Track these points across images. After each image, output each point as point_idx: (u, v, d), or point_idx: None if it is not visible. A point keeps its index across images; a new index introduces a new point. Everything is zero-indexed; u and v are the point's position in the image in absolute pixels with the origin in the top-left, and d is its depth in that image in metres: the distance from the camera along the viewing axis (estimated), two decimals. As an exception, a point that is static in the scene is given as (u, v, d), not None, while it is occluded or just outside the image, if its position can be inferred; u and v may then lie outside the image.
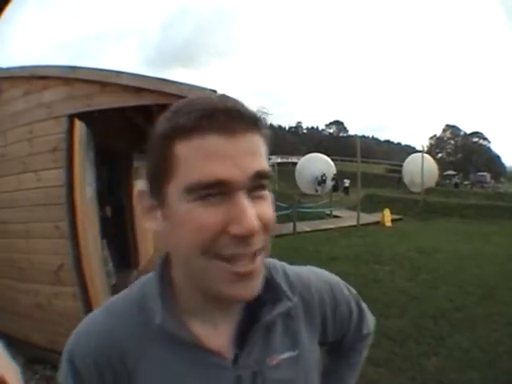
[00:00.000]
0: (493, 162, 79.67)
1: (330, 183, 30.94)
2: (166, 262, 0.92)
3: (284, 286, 0.96)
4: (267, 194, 0.80)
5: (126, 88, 4.42)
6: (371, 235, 15.71)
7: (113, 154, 8.08)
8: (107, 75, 4.50)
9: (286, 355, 0.94)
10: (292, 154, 54.65)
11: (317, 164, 33.82)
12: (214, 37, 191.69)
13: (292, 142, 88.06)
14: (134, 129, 7.31)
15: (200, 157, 0.73)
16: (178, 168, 0.75)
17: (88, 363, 0.85)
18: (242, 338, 0.90)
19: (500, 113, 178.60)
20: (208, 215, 0.73)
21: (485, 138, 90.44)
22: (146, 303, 0.88)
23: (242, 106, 0.78)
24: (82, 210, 4.59)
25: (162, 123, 0.79)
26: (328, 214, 22.23)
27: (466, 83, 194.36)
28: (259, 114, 0.81)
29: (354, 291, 1.19)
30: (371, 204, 23.51)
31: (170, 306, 0.86)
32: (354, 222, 18.06)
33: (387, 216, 18.56)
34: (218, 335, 0.89)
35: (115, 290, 5.23)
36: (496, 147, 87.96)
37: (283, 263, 1.07)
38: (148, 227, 0.85)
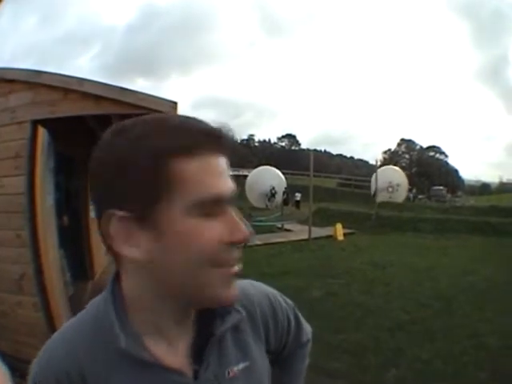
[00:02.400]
0: (450, 176, 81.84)
1: (280, 197, 31.00)
2: (115, 281, 0.93)
3: None
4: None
5: (87, 96, 4.46)
6: (324, 249, 15.77)
7: (70, 163, 7.95)
8: (70, 82, 4.52)
9: (240, 366, 0.98)
10: (243, 166, 54.80)
11: (267, 177, 33.86)
12: (174, 47, 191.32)
13: (243, 154, 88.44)
14: (92, 137, 7.19)
15: (203, 174, 0.79)
16: (177, 186, 0.78)
17: (60, 377, 0.86)
18: (197, 352, 0.93)
19: (458, 127, 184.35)
20: (211, 229, 0.80)
21: (442, 152, 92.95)
22: (102, 326, 0.88)
23: (227, 129, 0.86)
24: (42, 219, 4.56)
25: (143, 139, 0.79)
26: (279, 228, 22.28)
27: (423, 98, 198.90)
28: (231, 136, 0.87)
29: (290, 302, 1.26)
30: (323, 218, 23.68)
31: (129, 329, 0.87)
32: (305, 236, 18.06)
33: (339, 230, 18.64)
34: (174, 352, 0.91)
35: (72, 300, 5.35)
36: (454, 161, 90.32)
37: None
38: (128, 255, 0.83)
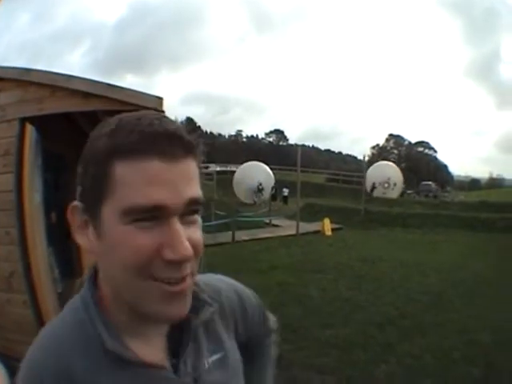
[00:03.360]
0: (439, 171, 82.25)
1: (267, 192, 31.04)
2: (93, 281, 0.94)
3: (201, 294, 1.00)
4: (198, 218, 0.84)
5: (75, 93, 4.49)
6: (311, 244, 15.82)
7: (58, 160, 7.90)
8: (58, 79, 4.54)
9: (215, 357, 0.99)
10: (231, 162, 54.78)
11: (255, 173, 33.90)
12: (164, 43, 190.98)
13: (231, 150, 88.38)
14: (80, 134, 7.21)
15: (139, 180, 0.75)
16: (116, 189, 0.77)
17: (46, 379, 0.83)
18: (174, 347, 0.94)
19: (448, 123, 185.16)
20: (143, 238, 0.76)
21: (431, 148, 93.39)
22: (83, 327, 0.87)
23: (183, 131, 0.80)
24: (30, 217, 4.58)
25: (100, 138, 0.80)
26: (267, 223, 22.35)
27: (412, 93, 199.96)
28: (197, 139, 0.84)
29: (256, 296, 1.28)
30: (311, 213, 23.76)
31: (111, 329, 0.86)
32: (293, 231, 18.21)
33: (327, 225, 18.74)
34: (152, 349, 0.91)
35: (61, 298, 5.31)
36: (443, 157, 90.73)
37: None
38: (79, 243, 0.88)
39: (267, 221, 22.66)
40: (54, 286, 5.52)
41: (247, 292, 1.23)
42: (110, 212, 0.78)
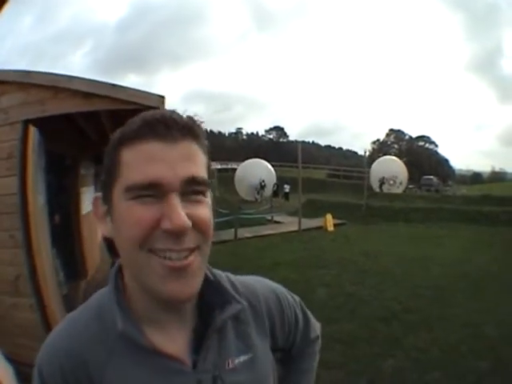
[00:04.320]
0: (440, 165, 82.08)
1: (269, 189, 31.05)
2: (119, 272, 0.98)
3: (231, 290, 1.03)
4: (205, 199, 0.89)
5: (76, 93, 4.51)
6: (314, 240, 15.79)
7: (60, 161, 7.95)
8: (59, 80, 4.55)
9: (242, 358, 0.99)
10: (232, 159, 54.72)
11: (256, 170, 33.89)
12: (164, 42, 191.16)
13: (232, 147, 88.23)
14: (81, 135, 7.41)
15: (139, 160, 0.83)
16: (122, 171, 0.85)
17: (56, 377, 0.91)
18: (198, 343, 0.95)
19: (449, 117, 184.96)
20: (143, 211, 0.82)
21: (432, 142, 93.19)
22: (104, 314, 0.93)
23: (180, 115, 0.88)
24: (35, 219, 4.56)
25: (114, 134, 0.90)
26: (269, 220, 22.32)
27: (412, 87, 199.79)
28: (196, 124, 0.90)
29: (297, 298, 1.28)
30: (312, 209, 23.65)
31: (128, 315, 0.91)
32: (295, 228, 18.14)
33: (329, 221, 18.68)
34: (173, 341, 0.94)
35: (66, 300, 5.40)
36: (444, 151, 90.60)
37: (227, 273, 1.14)
38: (101, 232, 0.94)
39: (269, 218, 22.61)
40: (60, 289, 5.54)
41: (286, 295, 1.22)
42: (117, 193, 0.86)
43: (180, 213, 0.81)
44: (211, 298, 0.99)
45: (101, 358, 0.90)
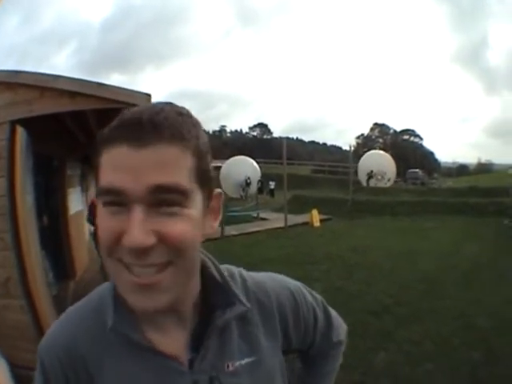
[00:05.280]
0: (426, 158, 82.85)
1: (254, 186, 31.07)
2: None
3: (236, 290, 0.98)
4: (183, 211, 0.79)
5: (62, 93, 4.49)
6: (301, 236, 15.85)
7: (48, 161, 8.00)
8: (46, 80, 4.53)
9: (244, 361, 0.96)
10: (216, 157, 54.96)
11: (241, 167, 33.88)
12: (148, 41, 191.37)
13: (216, 145, 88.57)
14: (68, 135, 7.43)
15: (107, 166, 0.78)
16: (98, 175, 0.80)
17: (55, 368, 0.91)
18: (197, 343, 0.93)
19: (434, 110, 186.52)
20: (110, 221, 0.77)
21: (416, 135, 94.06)
22: (102, 309, 0.92)
23: (163, 116, 0.78)
24: (23, 221, 4.54)
25: (98, 135, 0.85)
26: (255, 217, 22.43)
27: (396, 81, 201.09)
28: (185, 122, 0.81)
29: (318, 297, 1.21)
30: (298, 205, 23.78)
31: (124, 311, 0.88)
32: (281, 224, 18.19)
33: (315, 216, 18.77)
34: (171, 340, 0.92)
35: (56, 300, 5.39)
36: (429, 144, 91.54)
37: (240, 269, 1.11)
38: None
39: (255, 215, 22.75)
40: (49, 290, 5.54)
41: (303, 292, 1.15)
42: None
43: (138, 229, 0.74)
44: (215, 297, 0.96)
45: (98, 353, 0.90)
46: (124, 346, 0.89)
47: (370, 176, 32.87)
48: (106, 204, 0.77)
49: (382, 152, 35.06)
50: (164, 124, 0.77)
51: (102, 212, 0.78)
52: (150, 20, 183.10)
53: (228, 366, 0.93)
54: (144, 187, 0.74)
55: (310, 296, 1.16)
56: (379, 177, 32.94)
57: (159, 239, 0.76)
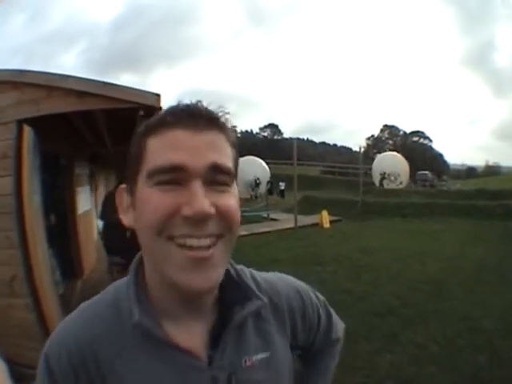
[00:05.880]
0: (435, 160, 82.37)
1: (264, 186, 31.06)
2: (140, 265, 0.97)
3: (253, 286, 1.02)
4: (231, 190, 0.87)
5: (71, 92, 4.47)
6: (310, 237, 15.77)
7: (55, 160, 8.02)
8: (53, 79, 4.52)
9: (259, 356, 0.98)
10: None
11: (250, 167, 33.87)
12: (159, 41, 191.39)
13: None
14: (76, 134, 7.39)
15: (163, 146, 0.83)
16: (146, 159, 0.85)
17: (63, 365, 0.89)
18: (216, 339, 0.94)
19: (443, 112, 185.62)
20: (164, 197, 0.81)
21: (426, 137, 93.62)
22: (120, 305, 0.92)
23: (204, 106, 0.87)
24: (30, 219, 4.55)
25: (139, 127, 0.91)
26: (265, 218, 22.33)
27: (406, 83, 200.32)
28: (221, 114, 0.89)
29: (321, 297, 1.26)
30: (308, 206, 23.69)
31: (146, 307, 0.90)
32: (291, 225, 18.13)
33: (325, 217, 18.71)
34: (191, 336, 0.93)
35: (63, 299, 5.42)
36: (438, 146, 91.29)
37: (250, 269, 1.13)
38: (124, 223, 0.93)
39: (265, 215, 22.65)
40: (56, 288, 5.55)
41: (309, 293, 1.20)
42: (140, 180, 0.86)
43: (201, 199, 0.79)
44: (232, 293, 0.98)
45: (113, 349, 0.90)
46: (144, 343, 0.89)
47: (384, 177, 32.82)
48: (159, 183, 0.82)
49: (395, 153, 35.06)
50: (215, 115, 0.87)
51: (150, 192, 0.82)
52: (161, 19, 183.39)
53: (245, 362, 0.95)
54: (204, 164, 0.81)
55: (314, 297, 1.21)
56: (392, 178, 32.90)
57: (216, 211, 0.81)
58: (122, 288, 0.96)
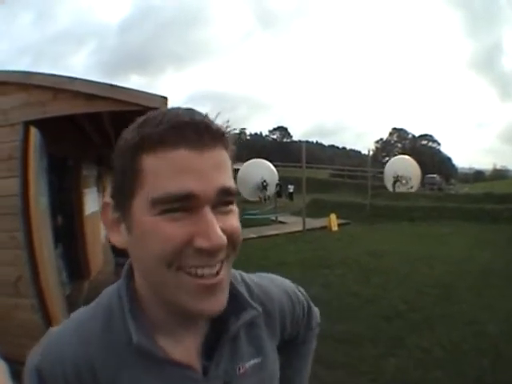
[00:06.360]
0: (443, 163, 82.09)
1: (272, 189, 31.01)
2: (129, 275, 0.93)
3: (246, 296, 0.99)
4: (234, 209, 0.84)
5: (78, 95, 4.48)
6: (318, 240, 15.75)
7: (62, 162, 8.02)
8: (60, 81, 4.54)
9: (252, 362, 0.97)
10: (235, 160, 54.99)
11: (258, 170, 33.79)
12: (168, 42, 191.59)
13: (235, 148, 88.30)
14: (83, 136, 7.47)
15: (168, 170, 0.75)
16: (145, 181, 0.77)
17: (58, 379, 0.84)
18: (209, 349, 0.92)
19: (451, 116, 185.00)
20: (173, 228, 0.75)
21: (434, 140, 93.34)
22: (113, 322, 0.88)
23: (210, 120, 0.80)
24: (36, 220, 4.56)
25: (128, 134, 0.81)
26: (273, 220, 22.32)
27: (414, 86, 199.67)
28: (226, 130, 0.83)
29: (304, 292, 1.28)
30: (317, 209, 23.66)
31: (141, 324, 0.86)
32: (299, 228, 18.13)
33: (334, 220, 18.66)
34: (184, 348, 0.91)
35: (69, 300, 5.45)
36: (446, 149, 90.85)
37: (240, 271, 1.10)
38: (113, 241, 0.87)
39: (273, 218, 22.63)
40: (62, 289, 5.58)
41: (296, 292, 1.22)
42: (139, 204, 0.78)
43: (218, 230, 0.76)
44: (227, 304, 0.89)
45: (110, 369, 0.86)
46: (141, 360, 0.86)
47: (396, 180, 32.64)
48: (166, 211, 0.76)
49: (407, 157, 34.82)
50: (216, 129, 0.80)
51: (156, 221, 0.76)
52: (169, 21, 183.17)
53: (239, 369, 0.94)
54: (213, 189, 0.77)
55: (300, 294, 1.23)
56: (403, 181, 32.73)
57: (225, 237, 0.78)
58: (112, 301, 0.91)
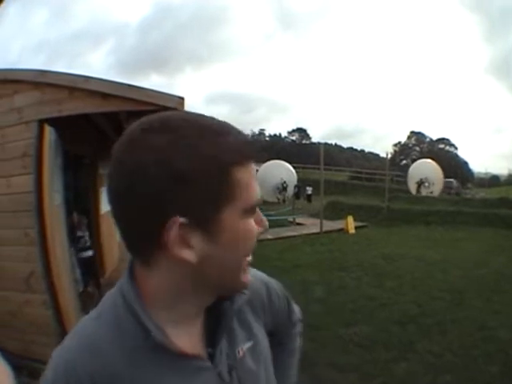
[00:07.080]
0: (460, 168, 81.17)
1: (291, 190, 30.94)
2: (133, 278, 0.93)
3: None
4: None
5: (93, 94, 4.49)
6: (335, 242, 15.70)
7: (79, 161, 8.06)
8: (76, 80, 4.56)
9: (247, 345, 1.03)
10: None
11: (278, 171, 33.70)
12: (187, 42, 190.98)
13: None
14: (100, 135, 7.41)
15: (253, 180, 0.89)
16: (238, 191, 0.85)
17: (83, 379, 0.84)
18: (209, 335, 0.98)
19: (468, 120, 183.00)
20: (253, 224, 0.91)
21: (451, 145, 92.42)
22: (122, 321, 0.89)
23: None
24: (50, 217, 4.60)
25: (205, 149, 0.81)
26: (291, 222, 22.21)
27: (433, 90, 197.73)
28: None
29: (280, 285, 1.33)
30: (334, 211, 23.53)
31: (153, 321, 0.88)
32: (317, 230, 18.07)
33: (351, 223, 18.55)
34: (190, 337, 0.94)
35: (83, 297, 5.49)
36: (463, 153, 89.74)
37: None
38: (184, 257, 0.84)
39: (291, 219, 22.52)
40: (75, 286, 5.58)
41: (274, 284, 1.29)
42: (231, 212, 0.84)
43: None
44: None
45: (128, 369, 0.85)
46: (155, 354, 0.87)
47: (421, 184, 32.42)
48: (251, 213, 0.89)
49: (429, 160, 34.59)
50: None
51: (247, 222, 0.89)
52: (189, 20, 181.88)
53: (238, 352, 1.00)
54: None
55: (278, 287, 1.30)
56: (426, 184, 32.52)
57: None
58: (118, 303, 0.91)
